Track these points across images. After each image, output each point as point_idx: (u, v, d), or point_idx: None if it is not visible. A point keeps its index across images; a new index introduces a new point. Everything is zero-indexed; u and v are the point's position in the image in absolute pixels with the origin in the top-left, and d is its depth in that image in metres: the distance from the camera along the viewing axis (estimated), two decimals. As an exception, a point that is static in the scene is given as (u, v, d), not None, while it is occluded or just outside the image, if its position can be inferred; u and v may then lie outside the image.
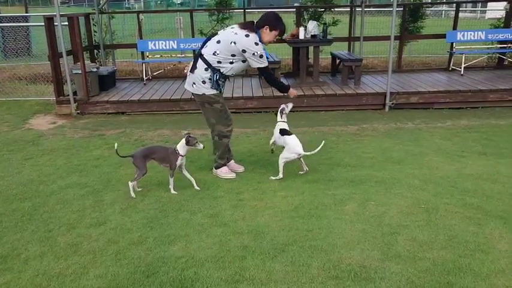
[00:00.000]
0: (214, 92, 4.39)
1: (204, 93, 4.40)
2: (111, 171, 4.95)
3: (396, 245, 3.31)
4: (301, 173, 4.72)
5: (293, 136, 4.60)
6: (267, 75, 4.53)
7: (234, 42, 4.22)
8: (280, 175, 4.54)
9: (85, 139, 6.21)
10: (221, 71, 4.33)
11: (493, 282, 2.85)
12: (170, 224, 3.70)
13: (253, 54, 4.23)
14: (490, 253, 3.17)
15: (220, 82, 4.41)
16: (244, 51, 4.22)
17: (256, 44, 4.23)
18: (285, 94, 4.72)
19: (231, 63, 4.31)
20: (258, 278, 2.95)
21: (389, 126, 6.52)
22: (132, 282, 2.93)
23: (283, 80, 8.50)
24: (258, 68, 4.38)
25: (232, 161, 4.89)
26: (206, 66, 4.32)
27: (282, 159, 4.55)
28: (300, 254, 3.21)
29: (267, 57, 4.49)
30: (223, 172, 4.69)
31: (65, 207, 4.07)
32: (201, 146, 4.22)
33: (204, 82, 4.36)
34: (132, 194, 4.23)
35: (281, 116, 4.82)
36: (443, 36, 9.41)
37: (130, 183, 4.25)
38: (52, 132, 6.59)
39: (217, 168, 4.72)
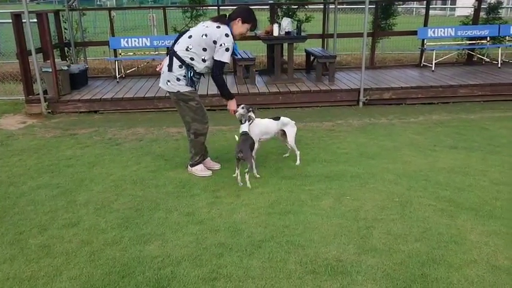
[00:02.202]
0: (189, 89, 4.35)
1: (178, 91, 4.35)
2: (84, 170, 4.85)
3: (372, 238, 3.34)
4: (286, 155, 5.07)
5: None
6: (219, 72, 4.28)
7: (205, 35, 4.19)
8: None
9: (57, 139, 6.06)
10: (194, 68, 4.29)
11: (465, 272, 2.92)
12: (146, 223, 3.65)
13: (221, 45, 4.17)
14: (463, 244, 3.25)
15: (194, 79, 4.36)
16: (215, 42, 4.18)
17: (227, 35, 4.19)
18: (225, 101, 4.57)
19: (204, 61, 4.27)
20: (236, 275, 2.93)
21: (364, 122, 6.60)
22: (107, 283, 2.87)
23: (258, 78, 8.51)
24: (215, 62, 4.24)
25: (208, 159, 4.85)
26: (180, 64, 4.27)
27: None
28: (277, 250, 3.21)
29: (237, 55, 4.46)
30: (199, 170, 4.65)
31: (36, 208, 3.96)
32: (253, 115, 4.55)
33: (178, 79, 4.31)
34: (249, 185, 4.26)
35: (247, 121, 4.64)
36: (414, 33, 9.58)
37: (247, 176, 4.25)
38: (22, 132, 6.40)
39: (192, 166, 4.68)
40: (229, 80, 8.62)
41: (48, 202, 4.09)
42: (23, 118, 7.21)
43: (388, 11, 10.37)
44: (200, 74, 4.40)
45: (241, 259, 3.11)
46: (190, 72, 4.29)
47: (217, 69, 4.28)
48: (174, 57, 4.30)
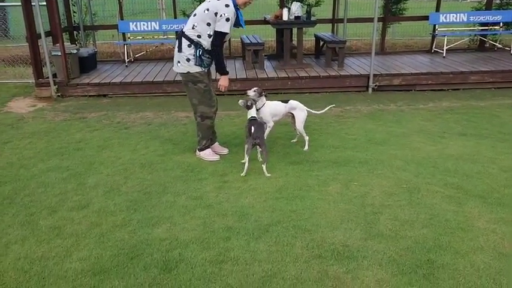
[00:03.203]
0: (198, 69, 4.35)
1: (188, 72, 4.36)
2: (93, 154, 4.89)
3: (378, 224, 3.35)
4: (293, 141, 5.11)
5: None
6: (218, 43, 4.25)
7: (207, 9, 4.18)
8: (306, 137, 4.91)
9: (66, 122, 6.10)
10: (203, 45, 4.28)
11: (472, 259, 2.92)
12: (154, 207, 3.69)
13: (221, 15, 4.14)
14: (470, 231, 3.25)
15: (204, 58, 4.34)
16: (216, 14, 4.15)
17: (227, 6, 4.16)
18: (218, 76, 4.53)
19: (209, 36, 4.25)
20: (243, 258, 2.97)
21: (373, 108, 6.56)
22: (116, 264, 2.92)
23: (266, 63, 8.47)
24: (215, 33, 4.21)
25: (216, 143, 4.87)
26: (189, 43, 4.28)
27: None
28: (283, 234, 3.24)
29: (242, 25, 4.38)
30: (207, 154, 4.67)
31: (46, 190, 4.02)
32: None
33: (188, 60, 4.32)
34: (268, 174, 4.24)
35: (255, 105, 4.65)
36: (426, 18, 9.45)
37: (264, 166, 4.25)
38: (32, 115, 6.46)
39: (200, 150, 4.70)
40: (237, 65, 8.60)
41: (58, 184, 4.14)
42: (32, 101, 7.26)
43: (399, -4, 10.22)
44: (210, 53, 4.37)
45: (248, 243, 3.14)
46: (199, 51, 4.28)
47: (217, 40, 4.25)
48: (182, 38, 4.31)
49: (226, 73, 4.48)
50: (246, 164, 4.27)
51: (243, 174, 4.26)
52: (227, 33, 4.26)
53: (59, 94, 7.40)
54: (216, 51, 4.31)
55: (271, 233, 3.25)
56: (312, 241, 3.14)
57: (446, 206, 3.60)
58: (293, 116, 4.87)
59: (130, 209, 3.64)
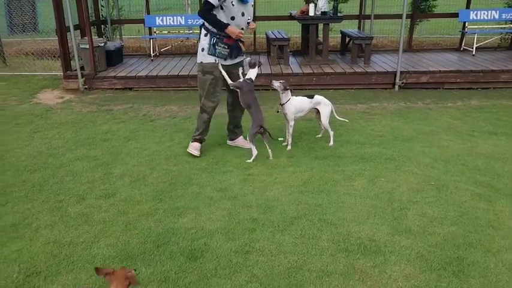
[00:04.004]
0: (210, 60, 4.32)
1: (201, 62, 4.39)
2: (120, 145, 4.95)
3: (406, 220, 3.30)
4: (319, 136, 5.10)
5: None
6: (203, 13, 4.19)
7: None
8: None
9: (93, 114, 6.20)
10: (213, 30, 4.25)
11: (503, 257, 2.84)
12: (180, 197, 3.71)
13: None
14: (501, 229, 3.16)
15: (218, 48, 4.28)
16: None
17: None
18: (224, 34, 4.26)
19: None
20: (268, 249, 2.96)
21: (399, 106, 6.46)
22: (143, 252, 2.94)
23: (291, 59, 8.42)
24: (204, 2, 4.17)
25: (240, 137, 4.87)
26: (206, 32, 4.31)
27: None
28: (309, 227, 3.22)
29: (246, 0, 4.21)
30: (192, 147, 4.60)
31: (74, 178, 4.09)
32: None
33: (203, 50, 4.35)
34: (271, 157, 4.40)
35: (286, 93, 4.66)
36: (455, 15, 9.23)
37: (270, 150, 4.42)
38: (60, 107, 6.58)
39: (192, 141, 4.65)
40: (262, 60, 8.57)
41: (85, 173, 4.20)
42: (60, 93, 7.40)
43: (428, -7, 10.04)
44: (226, 44, 4.28)
45: (273, 234, 3.12)
46: (213, 39, 4.27)
47: (202, 9, 4.20)
48: (202, 28, 4.35)
49: (227, 25, 4.21)
50: (254, 152, 4.36)
51: (249, 160, 4.31)
52: (213, 4, 4.11)
53: (86, 86, 7.52)
54: (206, 20, 4.22)
55: (297, 226, 3.23)
56: (338, 235, 3.11)
57: (476, 204, 3.51)
58: (318, 111, 4.84)
59: (156, 199, 3.67)
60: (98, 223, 3.31)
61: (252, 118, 4.41)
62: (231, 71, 4.48)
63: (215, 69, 4.38)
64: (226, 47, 4.32)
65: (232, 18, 4.21)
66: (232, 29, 4.20)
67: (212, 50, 4.30)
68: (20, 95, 7.27)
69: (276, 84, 4.56)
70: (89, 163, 4.44)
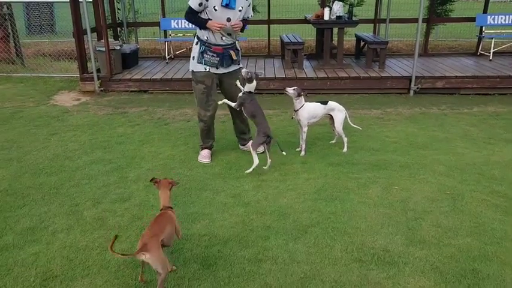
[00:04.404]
0: (201, 69, 4.34)
1: (192, 70, 4.43)
2: (135, 148, 5.00)
3: (420, 230, 3.27)
4: (332, 142, 5.10)
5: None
6: (186, 16, 4.22)
7: None
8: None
9: (108, 116, 6.27)
10: (201, 38, 4.25)
11: (520, 271, 2.81)
12: (193, 203, 3.73)
13: None
14: (518, 242, 3.12)
15: (206, 56, 4.27)
16: None
17: None
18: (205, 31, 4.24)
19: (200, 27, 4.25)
20: (281, 258, 2.96)
21: (414, 111, 6.41)
22: (157, 258, 2.96)
23: (305, 63, 8.41)
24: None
25: (251, 142, 4.84)
26: (197, 40, 4.35)
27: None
28: (322, 236, 3.21)
29: (230, 5, 4.10)
30: (202, 156, 4.64)
31: (90, 182, 4.14)
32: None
33: (193, 58, 4.39)
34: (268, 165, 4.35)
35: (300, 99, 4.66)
36: (472, 19, 9.14)
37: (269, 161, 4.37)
38: (76, 109, 6.66)
39: (200, 150, 4.72)
40: (276, 63, 8.59)
41: (101, 177, 4.25)
42: (77, 95, 7.50)
43: (445, -4, 9.94)
44: (214, 53, 4.24)
45: (287, 242, 3.13)
46: (202, 47, 4.28)
47: (186, 13, 4.21)
48: (195, 37, 4.39)
49: (207, 20, 4.15)
50: (255, 162, 4.23)
51: (248, 171, 4.25)
52: (194, 9, 4.11)
53: (102, 89, 7.60)
54: (189, 21, 4.25)
55: (310, 234, 3.23)
56: (352, 244, 3.10)
57: (493, 215, 3.47)
58: (332, 117, 4.83)
59: (170, 204, 3.70)
60: (113, 228, 3.35)
61: (256, 127, 4.37)
62: (227, 80, 4.48)
63: (206, 79, 4.38)
64: (215, 55, 4.28)
65: None
66: (212, 23, 4.12)
67: (200, 59, 4.31)
68: (37, 96, 7.39)
69: (290, 91, 4.57)
70: (104, 166, 4.49)
